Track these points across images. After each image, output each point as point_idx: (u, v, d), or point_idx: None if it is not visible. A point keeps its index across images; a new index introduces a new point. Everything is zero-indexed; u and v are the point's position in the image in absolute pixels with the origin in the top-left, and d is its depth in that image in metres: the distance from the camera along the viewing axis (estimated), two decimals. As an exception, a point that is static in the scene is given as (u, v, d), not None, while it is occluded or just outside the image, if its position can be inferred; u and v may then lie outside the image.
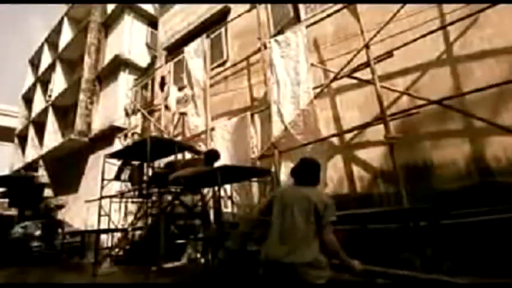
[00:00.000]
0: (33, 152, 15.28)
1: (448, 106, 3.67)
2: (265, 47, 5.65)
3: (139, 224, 7.09)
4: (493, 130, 3.58)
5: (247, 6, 6.80)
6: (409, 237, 3.67)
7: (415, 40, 4.14)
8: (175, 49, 8.58)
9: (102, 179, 6.49)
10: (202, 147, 6.42)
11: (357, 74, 4.62)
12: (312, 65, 4.98)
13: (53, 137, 13.64)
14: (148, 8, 12.33)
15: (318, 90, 4.81)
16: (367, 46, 4.26)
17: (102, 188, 6.43)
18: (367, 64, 4.21)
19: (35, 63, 18.36)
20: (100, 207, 6.51)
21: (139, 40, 11.98)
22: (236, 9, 7.19)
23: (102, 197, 6.36)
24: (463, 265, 3.33)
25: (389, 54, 4.17)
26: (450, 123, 3.93)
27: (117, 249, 6.95)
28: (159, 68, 8.80)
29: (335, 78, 4.57)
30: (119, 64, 11.09)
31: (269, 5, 6.52)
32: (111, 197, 6.50)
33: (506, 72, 3.66)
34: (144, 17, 12.29)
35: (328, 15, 5.26)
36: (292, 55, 5.13)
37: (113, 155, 6.57)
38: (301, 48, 5.04)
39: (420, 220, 3.64)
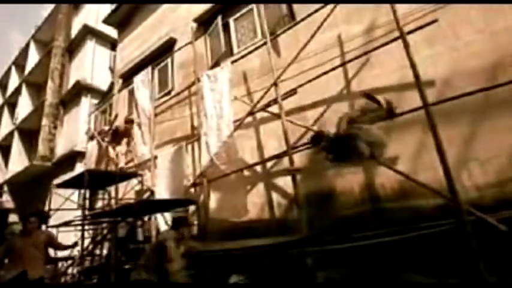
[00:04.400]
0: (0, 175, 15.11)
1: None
2: (199, 80, 6.02)
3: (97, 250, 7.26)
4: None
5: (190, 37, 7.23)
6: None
7: (319, 76, 4.57)
8: (129, 77, 8.86)
9: (49, 209, 6.63)
10: (148, 175, 6.69)
11: (275, 107, 5.04)
12: (235, 98, 5.37)
13: (19, 161, 13.60)
14: (112, 32, 12.61)
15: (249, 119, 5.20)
16: (275, 84, 4.67)
17: (49, 217, 6.58)
18: (275, 100, 4.60)
19: (3, 85, 18.26)
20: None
21: (102, 64, 12.25)
22: (181, 40, 7.57)
23: (48, 226, 6.49)
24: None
25: (293, 91, 4.59)
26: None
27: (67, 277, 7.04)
28: (112, 95, 9.05)
29: (250, 114, 4.96)
30: (81, 89, 11.30)
31: (208, 38, 6.93)
32: (57, 226, 6.63)
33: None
34: (107, 41, 12.60)
35: (256, 48, 5.68)
36: (218, 89, 5.50)
37: (61, 185, 6.75)
38: (225, 83, 5.41)
39: (318, 246, 3.98)
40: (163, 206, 4.87)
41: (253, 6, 6.10)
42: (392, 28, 4.09)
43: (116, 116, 8.55)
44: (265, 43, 5.52)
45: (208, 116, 5.45)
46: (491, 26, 3.62)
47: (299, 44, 5.16)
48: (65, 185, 6.66)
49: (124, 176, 6.25)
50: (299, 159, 4.79)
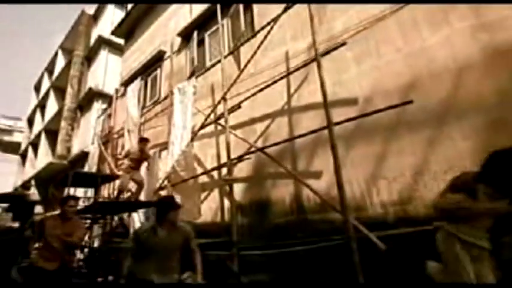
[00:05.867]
0: (31, 170, 16.88)
1: (265, 153, 4.37)
2: (172, 93, 6.54)
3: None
4: (306, 173, 4.23)
5: (175, 50, 7.80)
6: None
7: (256, 93, 4.88)
8: (127, 85, 9.63)
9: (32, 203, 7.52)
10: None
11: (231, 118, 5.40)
12: (198, 111, 5.80)
13: (45, 158, 15.11)
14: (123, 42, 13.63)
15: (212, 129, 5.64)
16: (224, 99, 5.03)
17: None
18: (222, 114, 4.97)
19: (37, 88, 20.27)
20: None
21: (114, 71, 13.25)
22: (169, 53, 8.16)
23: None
24: None
25: (238, 106, 4.93)
26: (284, 165, 4.59)
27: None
28: (113, 103, 9.89)
29: (202, 126, 5.36)
30: (93, 95, 12.38)
31: (188, 51, 7.44)
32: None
33: (320, 122, 4.29)
34: (119, 50, 13.59)
35: (215, 64, 6.10)
36: (185, 102, 5.97)
37: (57, 184, 7.62)
38: (190, 96, 5.87)
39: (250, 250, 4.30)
40: (126, 206, 5.44)
41: (224, 22, 6.48)
42: (328, 46, 4.31)
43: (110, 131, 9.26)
44: (226, 56, 5.94)
45: (176, 126, 5.94)
46: (409, 47, 3.71)
47: (254, 59, 5.47)
48: (60, 184, 7.51)
49: (106, 177, 6.93)
50: (246, 168, 5.13)
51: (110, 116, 11.13)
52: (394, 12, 3.89)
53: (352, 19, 4.34)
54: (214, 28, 6.80)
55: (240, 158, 4.79)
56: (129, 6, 11.37)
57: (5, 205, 17.14)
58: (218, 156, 5.72)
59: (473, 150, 3.07)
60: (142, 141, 6.29)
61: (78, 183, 6.93)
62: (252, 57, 4.81)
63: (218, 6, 5.85)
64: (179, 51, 7.67)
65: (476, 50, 3.21)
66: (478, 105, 3.10)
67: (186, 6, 8.00)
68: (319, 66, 3.78)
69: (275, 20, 4.57)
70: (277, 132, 4.85)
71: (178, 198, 5.68)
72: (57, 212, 3.16)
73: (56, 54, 17.55)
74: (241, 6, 5.80)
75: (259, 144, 4.96)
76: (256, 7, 5.94)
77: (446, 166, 3.19)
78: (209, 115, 5.31)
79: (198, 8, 7.28)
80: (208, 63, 6.74)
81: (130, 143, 7.81)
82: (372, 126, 3.76)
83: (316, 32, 4.68)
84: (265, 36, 4.65)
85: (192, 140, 5.45)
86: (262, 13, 5.76)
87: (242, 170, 5.15)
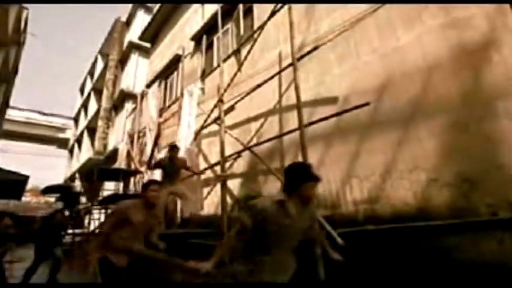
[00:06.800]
0: (76, 165, 18.79)
1: (252, 152, 4.66)
2: (182, 95, 7.06)
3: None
4: (291, 171, 4.46)
5: (191, 53, 8.33)
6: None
7: (254, 90, 5.16)
8: (150, 87, 10.42)
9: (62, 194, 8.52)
10: (148, 172, 8.05)
11: (227, 118, 5.77)
12: (203, 111, 6.24)
13: (87, 154, 16.76)
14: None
15: (205, 131, 6.07)
16: (221, 100, 5.40)
17: (78, 202, 8.48)
18: (219, 116, 5.35)
19: (81, 91, 22.33)
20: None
21: (143, 74, 14.26)
22: (185, 55, 8.72)
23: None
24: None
25: (232, 108, 5.26)
26: (274, 163, 4.85)
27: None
28: (138, 104, 10.74)
29: (202, 127, 5.78)
30: (125, 96, 13.48)
31: (200, 54, 7.91)
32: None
33: (305, 120, 4.47)
34: (148, 54, 14.57)
35: (217, 67, 6.47)
36: (192, 104, 6.45)
37: (86, 177, 8.59)
38: (195, 97, 6.33)
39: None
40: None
41: (229, 26, 6.84)
42: (315, 45, 4.48)
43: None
44: (225, 60, 6.29)
45: (182, 126, 6.46)
46: (384, 47, 3.77)
47: (253, 60, 5.77)
48: (90, 177, 8.46)
49: (128, 172, 7.70)
50: (243, 164, 5.48)
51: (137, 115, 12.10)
52: (373, 11, 3.95)
53: (336, 20, 4.43)
54: (222, 30, 7.17)
55: (232, 156, 5.14)
56: (154, 11, 12.16)
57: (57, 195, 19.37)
58: (221, 153, 6.12)
59: (439, 150, 3.11)
60: (173, 148, 5.15)
61: (104, 177, 7.76)
62: (244, 60, 5.10)
63: (219, 13, 6.20)
64: (192, 54, 8.17)
65: (445, 50, 3.21)
66: (445, 106, 3.12)
67: (199, 12, 8.47)
68: (295, 70, 3.98)
69: (261, 26, 4.82)
70: (269, 130, 5.11)
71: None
72: (137, 201, 2.66)
73: (96, 58, 19.21)
74: (241, 11, 6.09)
75: (254, 142, 5.27)
76: (256, 11, 6.20)
77: (412, 165, 3.26)
78: (209, 116, 5.72)
79: (208, 13, 7.69)
80: (215, 65, 7.13)
81: (151, 141, 8.54)
82: (348, 125, 3.89)
83: (305, 33, 4.90)
84: (256, 40, 4.92)
85: (195, 139, 5.91)
86: (260, 16, 6.00)
87: (240, 166, 5.51)
